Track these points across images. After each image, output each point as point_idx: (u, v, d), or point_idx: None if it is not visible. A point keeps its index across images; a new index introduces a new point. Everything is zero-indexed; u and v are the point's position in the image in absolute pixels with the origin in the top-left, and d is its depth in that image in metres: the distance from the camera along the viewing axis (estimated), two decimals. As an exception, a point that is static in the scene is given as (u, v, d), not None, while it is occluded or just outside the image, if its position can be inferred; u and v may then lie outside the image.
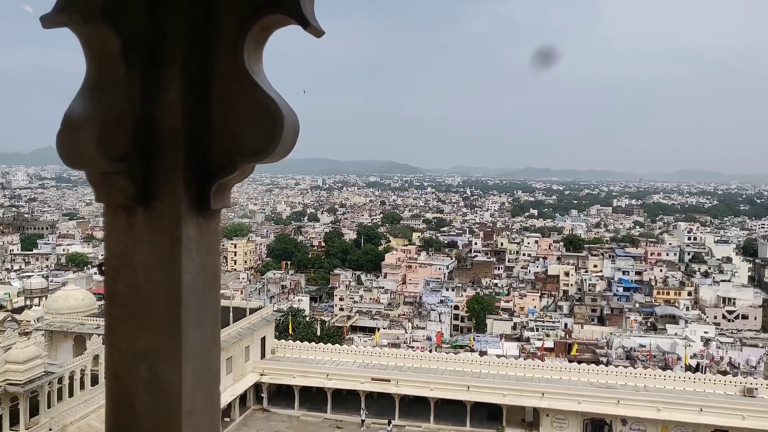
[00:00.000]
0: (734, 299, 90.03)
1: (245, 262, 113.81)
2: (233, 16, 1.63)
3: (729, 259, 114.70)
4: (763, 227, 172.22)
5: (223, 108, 1.64)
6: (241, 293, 66.98)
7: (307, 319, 69.20)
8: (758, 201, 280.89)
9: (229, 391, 42.15)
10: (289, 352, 49.62)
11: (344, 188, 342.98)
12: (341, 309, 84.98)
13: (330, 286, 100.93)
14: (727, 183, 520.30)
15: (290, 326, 57.29)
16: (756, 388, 42.09)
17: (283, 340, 51.12)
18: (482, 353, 53.95)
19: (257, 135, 1.60)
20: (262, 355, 48.12)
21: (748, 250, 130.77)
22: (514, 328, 75.86)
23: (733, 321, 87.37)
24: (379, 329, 69.10)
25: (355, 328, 76.27)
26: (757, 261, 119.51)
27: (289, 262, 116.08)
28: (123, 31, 1.60)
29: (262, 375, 46.14)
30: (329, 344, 51.84)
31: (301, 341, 51.43)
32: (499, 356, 50.95)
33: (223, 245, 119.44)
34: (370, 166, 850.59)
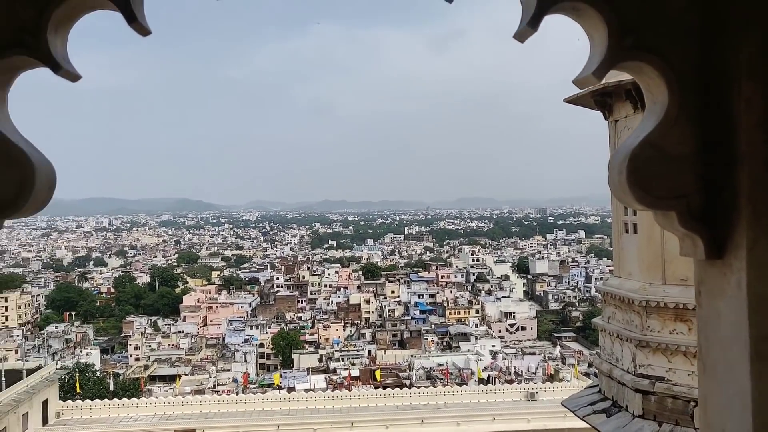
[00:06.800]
0: (513, 313, 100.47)
1: (19, 317, 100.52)
2: None
3: (507, 277, 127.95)
4: (532, 246, 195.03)
5: None
6: (16, 353, 59.14)
7: (98, 374, 63.71)
8: (526, 223, 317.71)
9: (4, 469, 36.65)
10: (77, 414, 44.51)
11: (134, 229, 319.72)
12: (137, 359, 79.05)
13: (123, 335, 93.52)
14: (500, 208, 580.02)
15: (77, 384, 51.69)
16: (536, 392, 47.11)
17: (69, 401, 45.82)
18: (290, 389, 53.45)
19: (3, 189, 1.45)
20: (45, 422, 42.61)
21: (521, 267, 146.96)
22: (320, 360, 76.49)
23: (514, 333, 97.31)
24: (180, 376, 65.23)
25: (154, 378, 71.26)
26: (529, 277, 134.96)
27: (73, 313, 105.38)
28: None
29: (45, 444, 40.86)
30: (125, 399, 47.69)
31: (92, 399, 46.61)
32: (307, 390, 50.84)
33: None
34: (161, 204, 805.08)
